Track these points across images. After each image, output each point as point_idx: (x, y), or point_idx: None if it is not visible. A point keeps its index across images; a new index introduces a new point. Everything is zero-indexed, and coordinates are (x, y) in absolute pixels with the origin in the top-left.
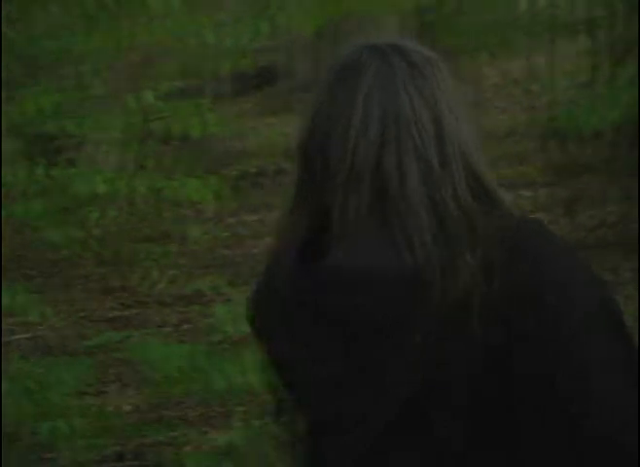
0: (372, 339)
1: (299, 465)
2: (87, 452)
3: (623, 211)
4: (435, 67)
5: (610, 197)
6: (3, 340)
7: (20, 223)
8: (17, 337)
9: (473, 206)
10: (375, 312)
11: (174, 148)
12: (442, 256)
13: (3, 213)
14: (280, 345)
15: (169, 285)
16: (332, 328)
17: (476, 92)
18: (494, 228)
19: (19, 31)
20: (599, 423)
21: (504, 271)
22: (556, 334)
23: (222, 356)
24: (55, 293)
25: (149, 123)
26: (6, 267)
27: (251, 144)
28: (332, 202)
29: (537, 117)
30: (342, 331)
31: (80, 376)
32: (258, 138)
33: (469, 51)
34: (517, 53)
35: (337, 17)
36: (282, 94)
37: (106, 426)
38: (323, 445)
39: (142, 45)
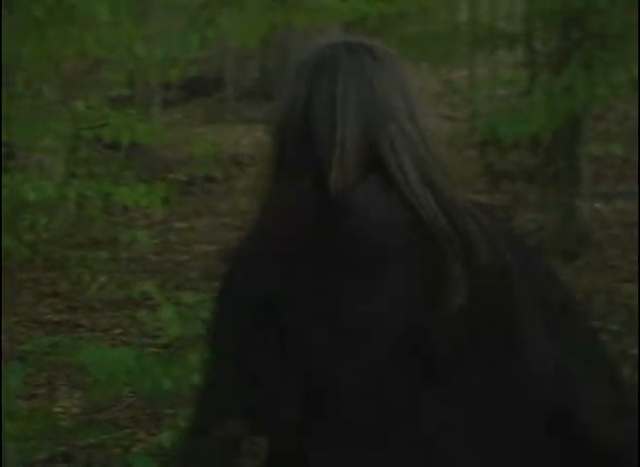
0: (376, 269)
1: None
2: (33, 454)
3: (561, 216)
4: (396, 62)
5: (548, 202)
6: None
7: None
8: None
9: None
10: (379, 246)
11: (108, 156)
12: (445, 214)
13: None
14: (279, 284)
15: (100, 290)
16: (334, 264)
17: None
18: (475, 203)
19: None
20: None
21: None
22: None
23: (169, 358)
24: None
25: (80, 131)
26: None
27: (182, 153)
28: (327, 172)
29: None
30: (346, 266)
31: (26, 379)
32: (189, 147)
33: (411, 60)
34: (459, 63)
35: (279, 30)
36: (215, 105)
37: (51, 428)
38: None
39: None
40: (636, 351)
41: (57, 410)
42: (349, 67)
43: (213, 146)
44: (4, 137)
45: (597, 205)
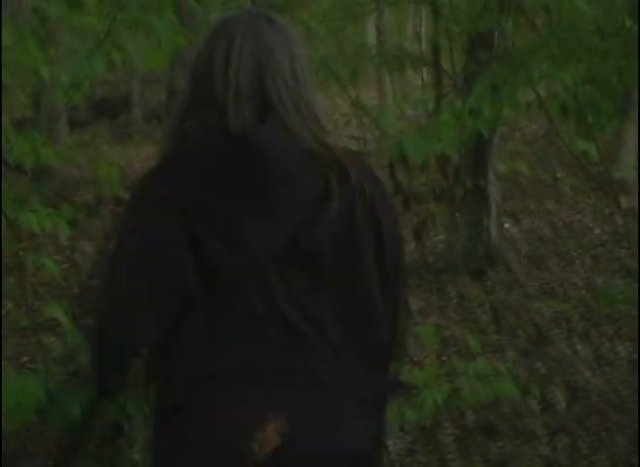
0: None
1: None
2: None
3: (469, 235)
4: (290, 30)
5: (456, 222)
6: None
7: None
8: None
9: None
10: (272, 173)
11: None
12: (317, 150)
13: None
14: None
15: (6, 316)
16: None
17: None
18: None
19: None
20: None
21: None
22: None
23: (78, 386)
24: None
25: None
26: None
27: (89, 174)
28: (225, 112)
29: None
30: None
31: None
32: (96, 168)
33: (320, 81)
34: (367, 84)
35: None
36: (122, 126)
37: None
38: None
39: None
40: (543, 368)
41: None
42: (247, 27)
43: (119, 167)
44: None
45: (505, 225)
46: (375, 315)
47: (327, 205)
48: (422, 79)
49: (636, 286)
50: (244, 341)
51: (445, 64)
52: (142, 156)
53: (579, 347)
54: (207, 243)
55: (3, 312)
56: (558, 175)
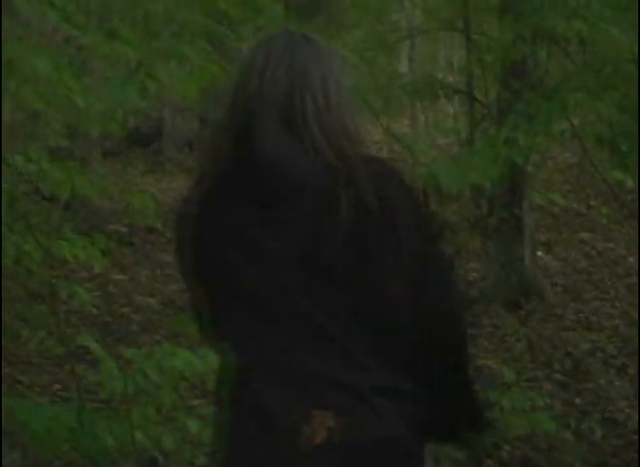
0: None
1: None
2: None
3: (503, 265)
4: (327, 50)
5: (490, 251)
6: None
7: None
8: None
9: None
10: (287, 187)
11: (47, 208)
12: (334, 162)
13: None
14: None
15: (39, 345)
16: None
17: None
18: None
19: None
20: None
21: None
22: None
23: (110, 415)
24: None
25: (17, 185)
26: None
27: (122, 203)
28: (253, 125)
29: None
30: (260, 199)
31: None
32: (129, 199)
33: None
34: (400, 112)
35: (218, 81)
36: (154, 155)
37: None
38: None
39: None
40: (580, 401)
41: None
42: (285, 46)
43: (153, 197)
44: None
45: (539, 254)
46: (391, 315)
47: (338, 214)
48: (454, 107)
49: None
50: (275, 342)
51: (478, 93)
52: (174, 185)
53: (615, 379)
54: (222, 254)
55: (35, 341)
56: (592, 204)
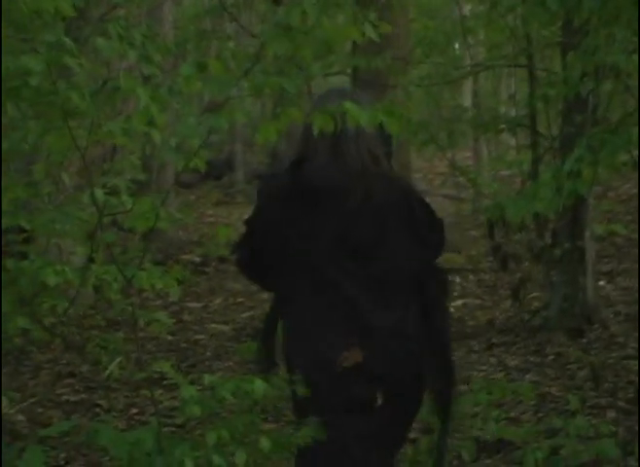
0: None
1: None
2: None
3: (566, 294)
4: (362, 94)
5: (553, 281)
6: None
7: None
8: None
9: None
10: (330, 193)
11: (124, 238)
12: (361, 175)
13: None
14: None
15: (120, 371)
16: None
17: (424, 181)
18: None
19: None
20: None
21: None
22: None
23: (188, 439)
24: (9, 380)
25: (101, 219)
26: None
27: (196, 234)
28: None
29: (480, 205)
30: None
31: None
32: (210, 230)
33: (418, 144)
34: (464, 146)
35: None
36: (225, 187)
37: None
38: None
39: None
40: None
41: None
42: (335, 98)
43: (228, 228)
44: (25, 225)
45: (601, 283)
46: (399, 280)
47: (364, 208)
48: (517, 140)
49: None
50: (318, 296)
51: (540, 126)
52: (244, 216)
53: None
54: (286, 234)
55: (111, 367)
56: None
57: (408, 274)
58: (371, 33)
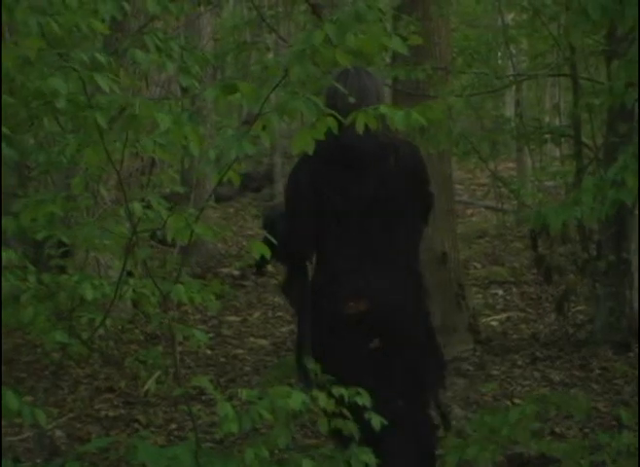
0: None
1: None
2: None
3: (611, 307)
4: (377, 78)
5: (598, 294)
6: None
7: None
8: (8, 438)
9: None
10: (361, 157)
11: (162, 251)
12: (384, 142)
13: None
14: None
15: (159, 385)
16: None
17: (466, 192)
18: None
19: (11, 144)
20: None
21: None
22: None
23: (226, 454)
24: (46, 394)
25: (138, 233)
26: None
27: (235, 247)
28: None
29: (523, 217)
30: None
31: None
32: (241, 241)
33: (460, 155)
34: (506, 156)
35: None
36: (265, 199)
37: None
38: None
39: (132, 156)
40: None
41: None
42: (355, 75)
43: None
44: (65, 239)
45: None
46: (405, 236)
47: (392, 171)
48: (561, 150)
49: None
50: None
51: (585, 136)
52: None
53: None
54: (329, 197)
55: (150, 382)
56: None
57: (421, 235)
58: (398, 47)
